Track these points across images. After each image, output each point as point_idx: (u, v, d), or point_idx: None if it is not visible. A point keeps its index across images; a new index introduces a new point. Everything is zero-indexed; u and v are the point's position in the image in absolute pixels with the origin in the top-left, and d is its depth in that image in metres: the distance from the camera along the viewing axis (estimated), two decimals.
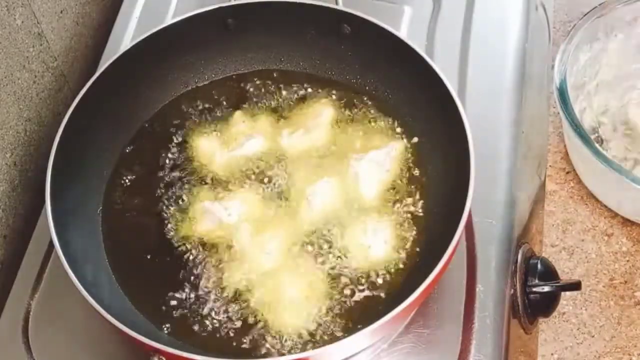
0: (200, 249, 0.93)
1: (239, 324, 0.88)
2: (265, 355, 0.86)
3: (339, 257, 0.92)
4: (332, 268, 0.91)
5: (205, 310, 0.89)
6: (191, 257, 0.93)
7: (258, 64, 1.07)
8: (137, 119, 1.03)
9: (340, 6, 1.00)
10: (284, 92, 1.04)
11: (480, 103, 1.06)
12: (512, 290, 0.95)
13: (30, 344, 0.93)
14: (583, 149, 1.11)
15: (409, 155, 0.99)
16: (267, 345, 0.87)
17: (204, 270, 0.92)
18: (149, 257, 0.93)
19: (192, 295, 0.90)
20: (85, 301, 0.81)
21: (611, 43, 1.25)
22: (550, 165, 1.24)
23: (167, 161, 1.00)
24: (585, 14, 1.20)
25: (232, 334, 0.88)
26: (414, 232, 0.93)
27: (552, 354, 1.10)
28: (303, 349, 0.86)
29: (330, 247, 0.92)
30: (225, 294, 0.90)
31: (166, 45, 1.01)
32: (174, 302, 0.90)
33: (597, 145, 1.11)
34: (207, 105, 1.04)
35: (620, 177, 1.09)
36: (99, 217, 0.96)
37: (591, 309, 1.13)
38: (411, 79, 0.98)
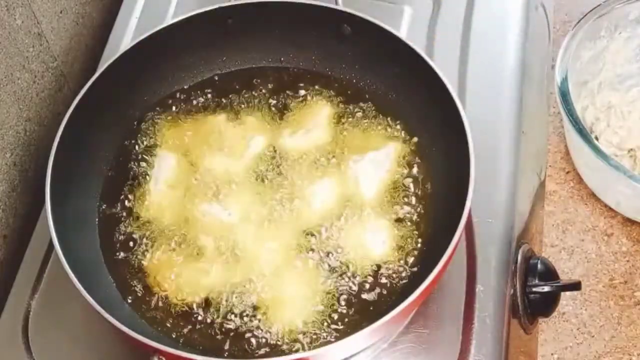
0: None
1: (239, 323, 0.88)
2: (265, 355, 0.86)
3: (338, 257, 0.92)
4: (332, 268, 0.91)
5: (205, 311, 0.89)
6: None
7: (258, 63, 1.07)
8: (137, 118, 1.03)
9: (340, 6, 1.00)
10: (284, 92, 1.04)
11: (480, 103, 1.06)
12: (512, 290, 0.95)
13: (30, 344, 0.93)
14: (583, 146, 1.11)
15: (409, 155, 0.98)
16: (268, 345, 0.87)
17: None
18: (148, 256, 0.93)
19: (192, 295, 0.90)
20: (85, 301, 0.81)
21: (615, 41, 1.25)
22: (550, 165, 1.24)
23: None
24: (588, 12, 1.20)
25: (232, 334, 0.88)
26: (414, 232, 0.93)
27: (552, 354, 1.10)
28: (303, 349, 0.86)
29: (330, 248, 0.92)
30: (225, 294, 0.90)
31: (166, 45, 1.01)
32: (173, 302, 0.90)
33: (597, 142, 1.11)
34: (207, 106, 1.04)
35: (620, 175, 1.09)
36: (99, 216, 0.96)
37: (591, 309, 1.13)
38: (411, 79, 0.98)
